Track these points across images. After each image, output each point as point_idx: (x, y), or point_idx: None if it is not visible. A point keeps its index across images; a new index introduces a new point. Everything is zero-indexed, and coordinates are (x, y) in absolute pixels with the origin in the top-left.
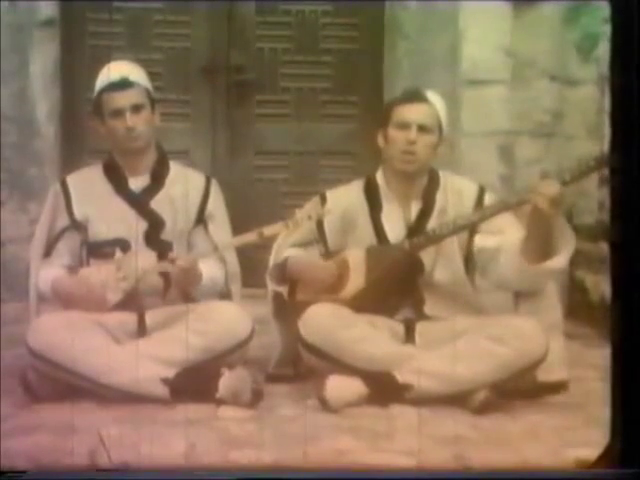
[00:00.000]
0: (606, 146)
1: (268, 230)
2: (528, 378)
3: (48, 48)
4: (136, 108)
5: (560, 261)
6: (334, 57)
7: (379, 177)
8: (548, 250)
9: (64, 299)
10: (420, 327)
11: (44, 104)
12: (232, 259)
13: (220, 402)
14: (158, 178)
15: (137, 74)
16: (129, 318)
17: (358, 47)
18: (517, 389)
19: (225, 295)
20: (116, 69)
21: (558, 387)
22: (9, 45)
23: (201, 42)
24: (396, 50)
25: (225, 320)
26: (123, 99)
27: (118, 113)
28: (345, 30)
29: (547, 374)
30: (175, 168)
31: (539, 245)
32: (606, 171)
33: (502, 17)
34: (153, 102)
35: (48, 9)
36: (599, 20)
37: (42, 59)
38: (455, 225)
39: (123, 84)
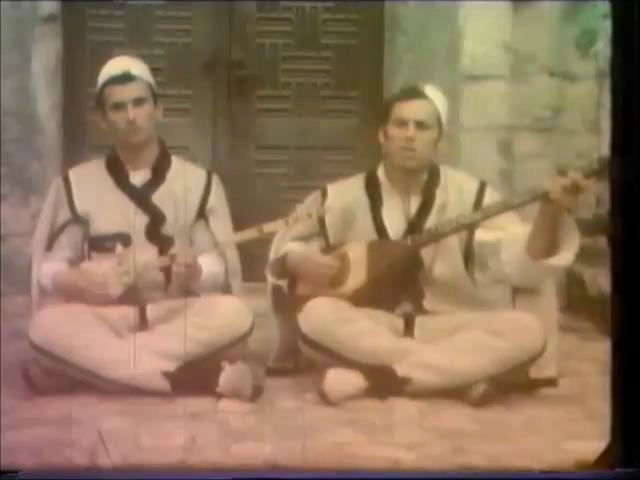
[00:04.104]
0: (604, 141)
1: (268, 227)
2: (520, 373)
3: (50, 44)
4: (138, 102)
5: (565, 258)
6: (334, 53)
7: (380, 172)
8: (553, 247)
9: (66, 293)
10: (419, 321)
11: (46, 99)
12: (232, 254)
13: (221, 396)
14: (159, 173)
15: (139, 69)
16: (130, 312)
17: (358, 43)
18: (509, 383)
19: (226, 290)
20: (118, 63)
21: (548, 384)
22: (11, 41)
23: (202, 38)
24: (396, 46)
25: (226, 314)
26: (125, 92)
27: (120, 106)
28: (345, 26)
29: (539, 370)
30: (176, 163)
31: (545, 241)
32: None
33: (502, 13)
34: (155, 97)
35: (49, 5)
36: (598, 16)
37: (44, 55)
38: (457, 223)
39: (125, 78)
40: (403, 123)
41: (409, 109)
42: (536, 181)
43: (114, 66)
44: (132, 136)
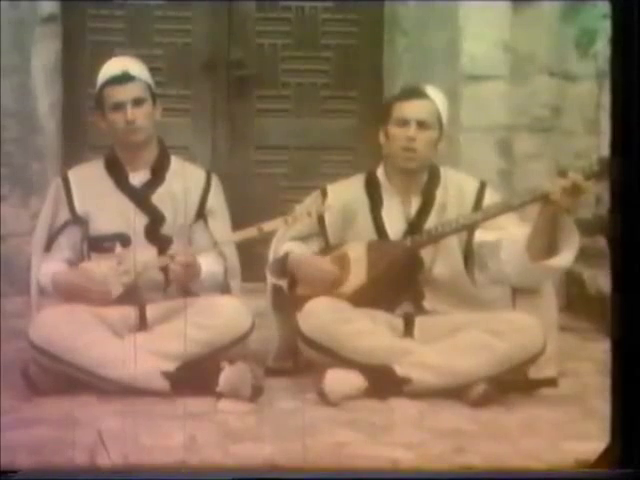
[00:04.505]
0: (604, 142)
1: (268, 226)
2: (519, 373)
3: (49, 44)
4: (137, 102)
5: (564, 259)
6: (334, 53)
7: (380, 172)
8: (552, 248)
9: (65, 293)
10: (419, 321)
11: (45, 99)
12: (231, 254)
13: (220, 396)
14: (159, 173)
15: (138, 69)
16: (130, 312)
17: (358, 43)
18: (508, 383)
19: (225, 290)
20: (117, 64)
21: (547, 384)
22: (10, 41)
23: (201, 38)
24: (395, 46)
25: (225, 314)
26: (124, 93)
27: (119, 106)
28: (345, 26)
29: (538, 370)
30: (176, 163)
31: (544, 242)
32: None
33: (501, 13)
34: (154, 97)
35: (49, 5)
36: (597, 16)
37: (43, 55)
38: (457, 224)
39: (124, 78)
40: (404, 123)
41: (410, 109)
42: (536, 181)
43: (113, 66)
44: (131, 136)
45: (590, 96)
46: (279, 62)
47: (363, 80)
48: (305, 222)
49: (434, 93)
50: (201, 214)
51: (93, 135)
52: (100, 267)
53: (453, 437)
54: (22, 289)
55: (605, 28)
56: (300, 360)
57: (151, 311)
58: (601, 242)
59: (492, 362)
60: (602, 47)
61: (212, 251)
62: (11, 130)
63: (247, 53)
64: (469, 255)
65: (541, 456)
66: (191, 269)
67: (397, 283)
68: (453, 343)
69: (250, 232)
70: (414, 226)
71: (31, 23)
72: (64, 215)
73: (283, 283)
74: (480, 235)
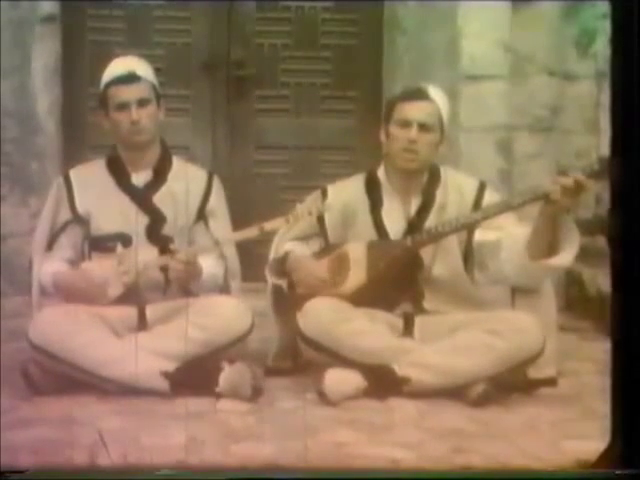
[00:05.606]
0: (604, 141)
1: (269, 225)
2: (519, 373)
3: (49, 44)
4: (142, 102)
5: (564, 259)
6: (334, 53)
7: (380, 172)
8: (552, 247)
9: (65, 293)
10: (419, 321)
11: (45, 99)
12: (232, 255)
13: (220, 395)
14: (160, 174)
15: (144, 69)
16: (130, 312)
17: (357, 43)
18: (508, 383)
19: (225, 291)
20: (123, 63)
21: (547, 383)
22: (10, 41)
23: (201, 38)
24: (395, 46)
25: (225, 314)
26: (129, 93)
27: (124, 106)
28: (344, 26)
29: (538, 370)
30: (177, 164)
31: (544, 242)
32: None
33: (501, 13)
34: (159, 97)
35: (49, 5)
36: (597, 16)
37: (43, 55)
38: (458, 223)
39: (130, 78)
40: (406, 124)
41: (412, 110)
42: (535, 181)
43: (118, 66)
44: (135, 136)
45: (590, 96)
46: (279, 62)
47: (363, 80)
48: (306, 222)
49: (436, 94)
50: (202, 215)
51: (93, 135)
52: (101, 267)
53: (453, 437)
54: (22, 289)
55: (605, 28)
56: (300, 360)
57: (151, 311)
58: (601, 242)
59: (492, 362)
60: (602, 47)
61: (212, 252)
62: (11, 130)
63: (247, 53)
64: (469, 255)
65: (541, 456)
66: (191, 267)
67: (397, 283)
68: (453, 343)
69: (251, 231)
70: (414, 226)
71: (31, 23)
72: (65, 214)
73: (283, 283)
74: (480, 235)
